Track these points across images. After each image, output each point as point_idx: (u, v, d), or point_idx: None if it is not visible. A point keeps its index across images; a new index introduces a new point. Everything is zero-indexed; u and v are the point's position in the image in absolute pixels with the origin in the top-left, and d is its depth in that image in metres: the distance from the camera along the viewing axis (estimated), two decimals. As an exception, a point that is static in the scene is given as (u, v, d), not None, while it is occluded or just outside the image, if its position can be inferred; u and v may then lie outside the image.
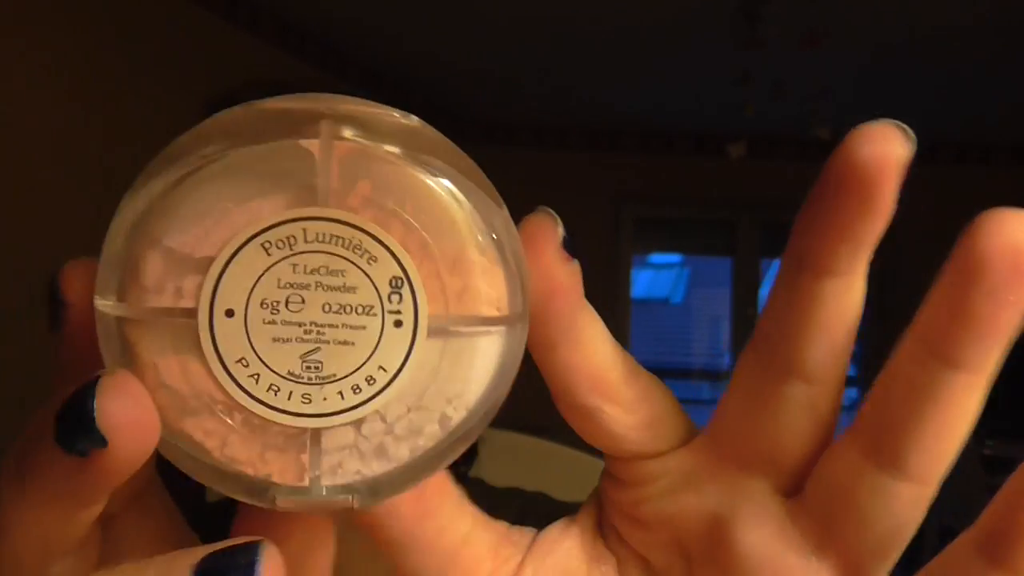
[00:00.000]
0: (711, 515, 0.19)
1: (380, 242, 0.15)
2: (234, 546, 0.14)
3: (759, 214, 3.55)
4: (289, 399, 0.15)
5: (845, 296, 0.17)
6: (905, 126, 0.16)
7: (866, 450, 0.17)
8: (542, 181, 3.36)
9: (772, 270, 4.37)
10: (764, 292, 3.78)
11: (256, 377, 0.15)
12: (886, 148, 0.16)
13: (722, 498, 0.19)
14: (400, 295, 0.16)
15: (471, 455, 0.61)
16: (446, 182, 0.16)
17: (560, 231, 0.18)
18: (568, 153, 3.45)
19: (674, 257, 4.61)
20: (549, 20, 2.38)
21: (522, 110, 3.27)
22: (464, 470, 0.65)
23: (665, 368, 3.94)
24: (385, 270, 0.15)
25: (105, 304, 0.16)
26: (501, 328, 0.17)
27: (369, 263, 0.15)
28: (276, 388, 0.15)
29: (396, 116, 0.16)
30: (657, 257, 4.41)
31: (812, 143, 2.78)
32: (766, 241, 3.60)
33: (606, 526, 0.22)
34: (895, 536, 0.18)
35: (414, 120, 0.17)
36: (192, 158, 0.16)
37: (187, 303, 0.15)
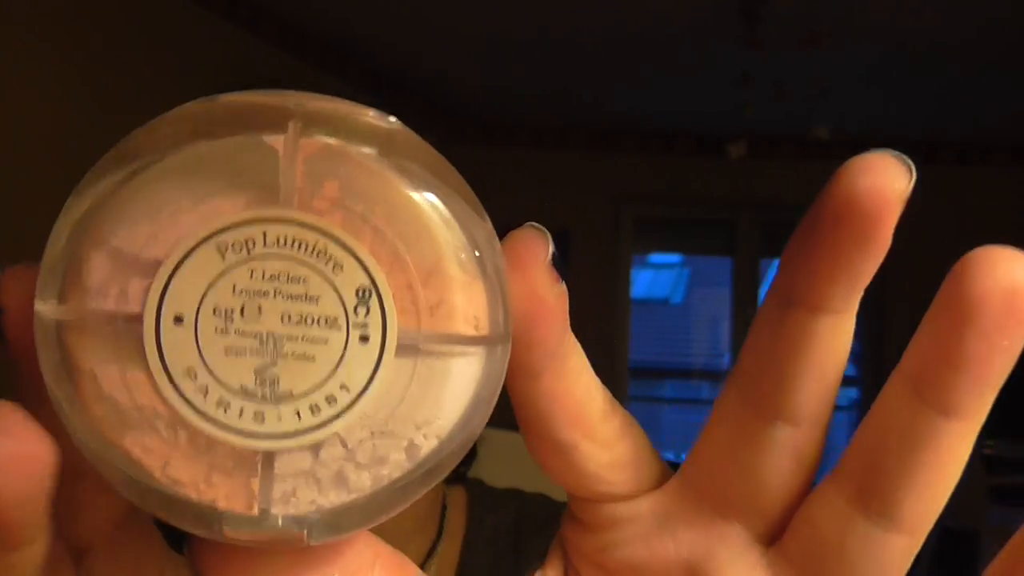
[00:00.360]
0: (685, 563, 0.18)
1: (347, 248, 0.14)
2: None
3: (759, 214, 3.55)
4: (240, 417, 0.14)
5: (838, 334, 0.16)
6: (905, 157, 0.15)
7: (854, 498, 0.17)
8: (542, 181, 3.36)
9: (772, 270, 4.36)
10: (764, 292, 3.76)
11: (204, 391, 0.14)
12: (885, 181, 0.14)
13: (698, 545, 0.18)
14: (367, 307, 0.14)
15: (470, 455, 0.61)
16: (423, 188, 0.15)
17: (550, 248, 0.16)
18: (568, 153, 3.45)
19: (674, 257, 4.61)
20: (549, 20, 2.38)
21: (522, 110, 3.27)
22: (463, 470, 0.65)
23: (665, 368, 3.94)
24: (351, 279, 0.14)
25: (44, 307, 0.14)
26: (479, 349, 0.15)
27: (334, 271, 0.14)
28: (226, 404, 0.14)
29: (371, 116, 0.15)
30: (657, 257, 4.41)
31: (812, 143, 2.78)
32: (766, 241, 3.60)
33: (570, 571, 0.20)
34: None
35: (391, 121, 0.15)
36: (144, 153, 0.15)
37: (132, 307, 0.14)
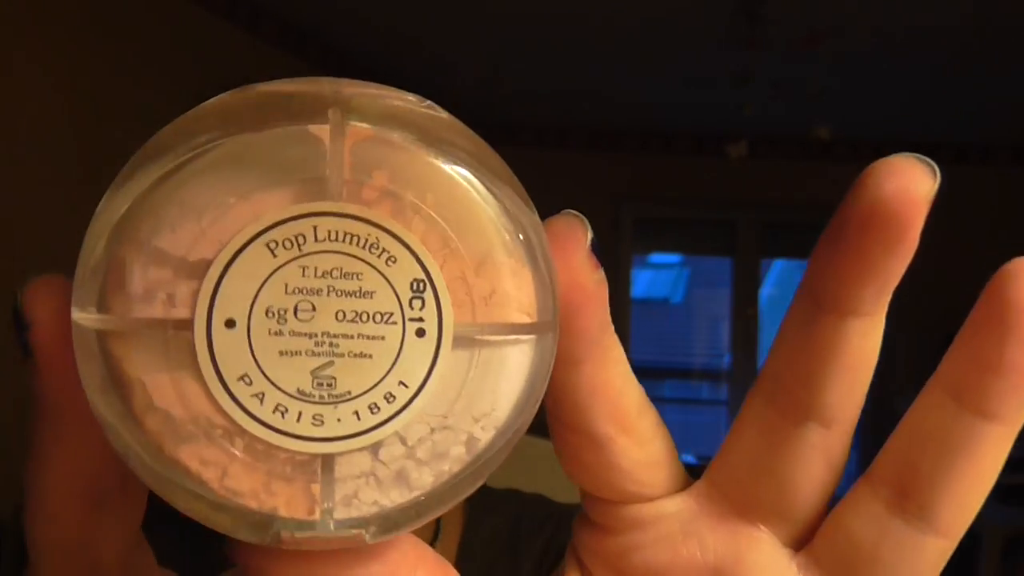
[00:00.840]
0: (712, 568, 0.18)
1: (400, 240, 0.14)
2: None
3: (759, 214, 3.55)
4: (298, 421, 0.13)
5: (868, 337, 0.16)
6: (929, 160, 0.15)
7: (891, 502, 0.17)
8: (542, 181, 3.35)
9: (772, 270, 4.37)
10: (764, 292, 3.79)
11: (260, 397, 0.13)
12: (912, 183, 0.14)
13: (725, 550, 0.18)
14: (422, 300, 0.14)
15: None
16: (470, 174, 0.14)
17: (589, 235, 0.16)
18: (568, 153, 3.45)
19: (674, 257, 4.61)
20: (549, 20, 2.38)
21: (522, 110, 3.27)
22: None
23: (665, 368, 3.94)
24: (406, 272, 0.14)
25: (84, 317, 0.14)
26: (532, 337, 0.15)
27: (388, 264, 0.14)
28: (284, 409, 0.13)
29: (412, 101, 0.15)
30: (657, 257, 4.41)
31: (812, 143, 2.78)
32: (766, 241, 3.60)
33: None
34: None
35: (432, 106, 0.15)
36: (182, 149, 0.14)
37: (181, 313, 0.13)
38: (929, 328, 3.95)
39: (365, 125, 0.14)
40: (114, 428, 0.14)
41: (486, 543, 0.58)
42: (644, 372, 3.78)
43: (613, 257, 3.45)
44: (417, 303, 0.14)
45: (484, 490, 0.63)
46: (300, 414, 0.14)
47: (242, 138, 0.14)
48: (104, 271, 0.14)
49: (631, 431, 0.18)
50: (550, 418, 0.18)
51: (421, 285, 0.14)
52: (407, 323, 0.14)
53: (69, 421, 0.15)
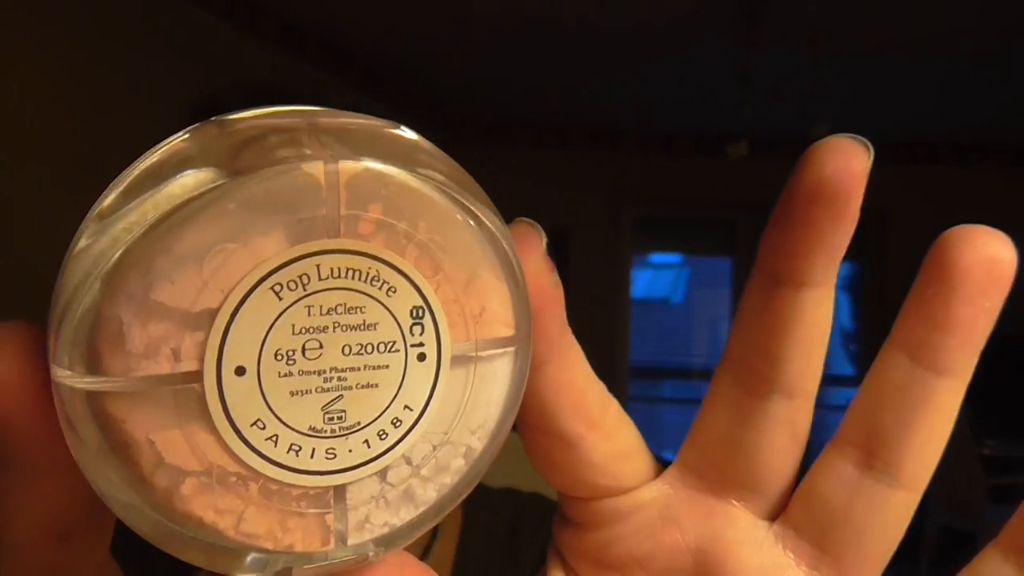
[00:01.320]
0: (693, 549, 0.19)
1: (398, 270, 0.14)
2: None
3: (759, 214, 3.53)
4: (312, 457, 0.14)
5: (822, 306, 0.17)
6: (863, 139, 0.16)
7: (859, 462, 0.18)
8: (542, 181, 3.36)
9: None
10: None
11: (275, 439, 0.13)
12: (850, 161, 0.16)
13: (704, 530, 0.19)
14: (422, 326, 0.14)
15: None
16: (454, 199, 0.15)
17: (543, 240, 0.17)
18: (568, 153, 3.45)
19: (674, 257, 4.61)
20: (549, 20, 2.38)
21: (522, 110, 3.27)
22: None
23: (665, 368, 3.94)
24: (405, 300, 0.14)
25: (72, 378, 0.13)
26: (513, 349, 0.15)
27: (388, 295, 0.14)
28: (298, 448, 0.13)
29: (392, 130, 0.15)
30: (657, 257, 4.41)
31: (812, 143, 2.77)
32: (766, 241, 3.59)
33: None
34: (889, 544, 0.18)
35: (408, 132, 0.15)
36: (160, 190, 0.13)
37: (188, 365, 0.13)
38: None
39: (354, 159, 0.14)
40: (113, 490, 0.13)
41: (484, 541, 0.58)
42: (644, 372, 3.80)
43: (613, 257, 3.45)
44: (417, 329, 0.14)
45: (481, 489, 0.63)
46: (314, 450, 0.14)
47: (232, 182, 0.13)
48: (91, 328, 0.13)
49: (598, 426, 0.18)
50: (519, 422, 0.18)
51: (420, 312, 0.14)
52: (409, 349, 0.14)
53: (32, 468, 0.15)
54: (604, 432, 0.19)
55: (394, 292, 0.14)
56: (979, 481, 2.72)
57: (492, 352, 0.15)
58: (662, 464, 0.20)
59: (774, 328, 0.18)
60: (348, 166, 0.14)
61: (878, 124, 3.19)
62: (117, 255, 0.13)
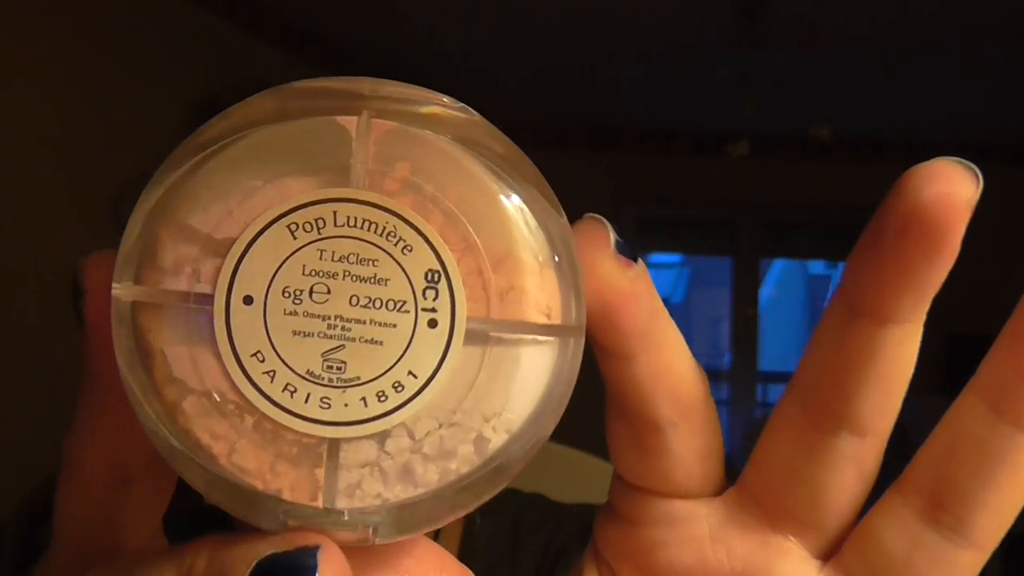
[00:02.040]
0: (739, 575, 0.18)
1: (417, 230, 0.14)
2: (297, 549, 0.14)
3: (759, 214, 3.55)
4: (306, 402, 0.14)
5: (906, 344, 0.16)
6: (971, 164, 0.14)
7: (925, 512, 0.17)
8: (542, 181, 3.35)
9: (772, 270, 4.37)
10: (764, 292, 3.79)
11: (271, 374, 0.14)
12: (953, 188, 0.14)
13: (753, 558, 0.18)
14: (436, 291, 0.14)
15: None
16: (496, 174, 0.15)
17: (612, 236, 0.16)
18: (568, 153, 3.45)
19: (674, 257, 4.61)
20: (549, 20, 2.38)
21: (523, 110, 3.27)
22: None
23: (665, 368, 3.93)
24: (421, 262, 0.14)
25: (120, 289, 0.14)
26: (551, 340, 0.15)
27: (404, 253, 0.14)
28: (293, 388, 0.14)
29: (445, 101, 0.15)
30: (657, 257, 4.41)
31: (812, 143, 2.78)
32: (766, 241, 3.60)
33: None
34: None
35: (466, 108, 0.15)
36: (218, 139, 0.15)
37: (204, 287, 0.14)
38: (929, 328, 3.93)
39: (394, 120, 0.15)
40: (138, 398, 0.14)
41: (486, 543, 0.58)
42: (644, 372, 3.81)
43: (613, 257, 3.44)
44: (431, 294, 0.14)
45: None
46: (308, 395, 0.14)
47: (274, 127, 0.14)
48: (142, 248, 0.14)
49: (692, 418, 0.18)
50: (608, 408, 0.18)
51: (436, 276, 0.14)
52: (420, 313, 0.14)
53: (106, 393, 0.16)
54: (697, 425, 0.18)
55: (410, 251, 0.14)
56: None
57: (517, 336, 0.14)
58: (730, 483, 0.19)
59: (850, 362, 0.16)
60: (381, 123, 0.14)
61: (878, 124, 3.19)
62: (168, 185, 0.14)
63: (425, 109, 0.15)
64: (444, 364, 0.14)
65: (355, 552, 0.15)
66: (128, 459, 0.17)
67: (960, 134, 3.31)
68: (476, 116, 0.15)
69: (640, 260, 0.17)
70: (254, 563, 0.14)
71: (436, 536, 0.57)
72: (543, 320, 0.15)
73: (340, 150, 0.14)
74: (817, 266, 5.18)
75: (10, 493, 1.55)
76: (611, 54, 2.61)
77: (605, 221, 0.16)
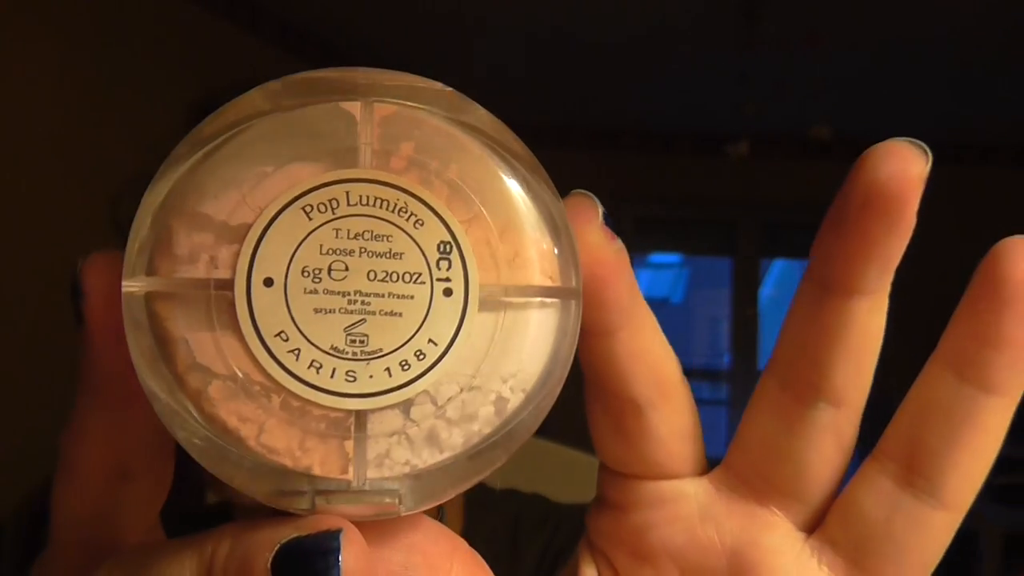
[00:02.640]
0: (729, 551, 0.19)
1: (427, 204, 0.14)
2: (319, 532, 0.14)
3: (759, 214, 3.55)
4: (332, 377, 0.14)
5: (873, 315, 0.17)
6: (921, 143, 0.16)
7: (900, 478, 0.17)
8: (542, 181, 3.35)
9: (772, 270, 4.37)
10: (764, 292, 3.79)
11: (296, 353, 0.14)
12: (907, 165, 0.15)
13: (741, 533, 0.18)
14: (449, 261, 0.15)
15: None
16: (492, 148, 0.16)
17: (600, 210, 0.17)
18: (568, 153, 3.45)
19: (674, 257, 4.61)
20: (549, 21, 2.38)
21: (523, 110, 3.27)
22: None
23: (665, 368, 3.93)
24: (432, 234, 0.14)
25: (132, 284, 0.14)
26: (556, 301, 0.15)
27: (415, 227, 0.14)
28: (318, 365, 0.14)
29: (440, 86, 0.16)
30: (657, 257, 4.41)
31: (812, 143, 2.78)
32: (766, 241, 3.60)
33: (603, 567, 0.20)
34: (927, 565, 0.18)
35: (457, 93, 0.16)
36: (221, 132, 0.15)
37: (223, 273, 0.14)
38: (929, 328, 3.94)
39: (395, 101, 0.15)
40: (158, 394, 0.14)
41: (486, 543, 0.58)
42: (644, 372, 3.80)
43: (613, 257, 3.44)
44: (444, 264, 0.15)
45: (483, 489, 0.63)
46: (334, 370, 0.14)
47: (278, 116, 0.15)
48: (152, 240, 0.14)
49: (671, 398, 0.18)
50: (588, 392, 0.19)
51: (448, 247, 0.15)
52: (435, 283, 0.14)
53: (108, 390, 0.16)
54: (675, 405, 0.18)
55: (421, 225, 0.14)
56: (979, 481, 2.71)
57: (526, 299, 0.15)
58: (711, 466, 0.20)
59: (823, 335, 0.17)
60: (383, 106, 0.15)
61: (878, 124, 3.19)
62: (176, 178, 0.15)
63: (421, 90, 0.16)
64: (461, 330, 0.14)
65: (371, 531, 0.15)
66: (126, 454, 0.17)
67: (960, 134, 3.31)
68: (469, 101, 0.16)
69: (619, 240, 0.17)
70: (277, 546, 0.14)
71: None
72: (547, 283, 0.15)
73: (346, 134, 0.15)
74: (817, 266, 5.13)
75: (10, 493, 1.55)
76: (611, 53, 2.61)
77: (592, 196, 0.17)
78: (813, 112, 2.48)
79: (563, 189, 0.17)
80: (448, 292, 0.14)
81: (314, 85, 0.15)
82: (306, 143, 0.15)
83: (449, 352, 0.14)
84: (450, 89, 0.16)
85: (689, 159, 3.48)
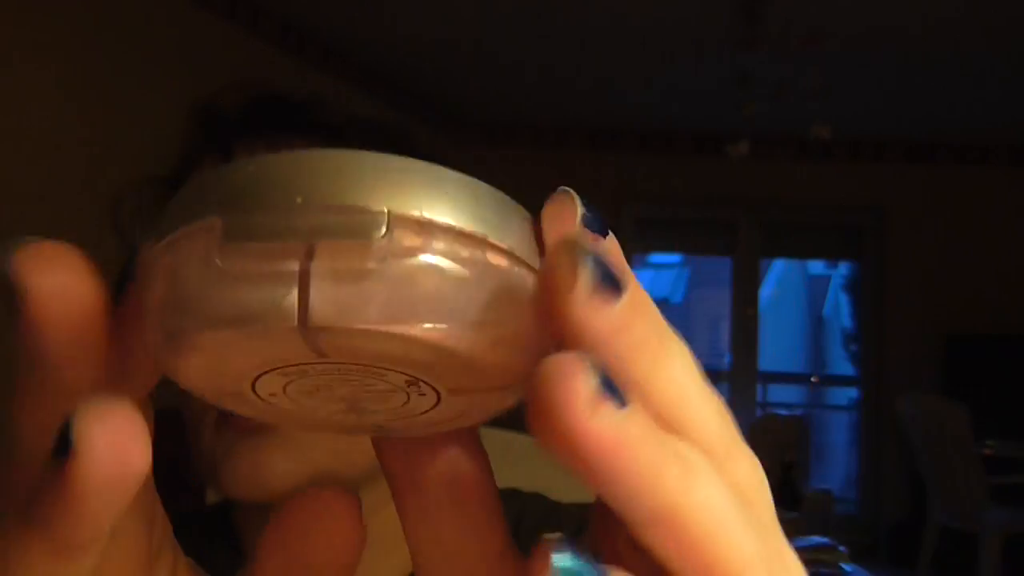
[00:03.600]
0: None
1: (383, 369, 0.15)
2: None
3: (759, 214, 3.55)
4: None
5: None
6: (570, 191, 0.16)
7: None
8: (542, 181, 3.35)
9: (772, 270, 4.37)
10: (764, 292, 3.79)
11: None
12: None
13: None
14: (419, 386, 0.15)
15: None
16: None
17: (579, 210, 0.16)
18: (568, 153, 3.45)
19: (674, 257, 4.61)
20: (550, 21, 2.38)
21: (522, 110, 3.27)
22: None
23: (665, 368, 3.93)
24: (398, 377, 0.15)
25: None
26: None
27: (382, 374, 0.15)
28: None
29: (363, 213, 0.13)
30: (657, 257, 4.41)
31: (812, 143, 2.78)
32: (766, 241, 3.60)
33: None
34: None
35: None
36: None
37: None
38: (929, 328, 3.94)
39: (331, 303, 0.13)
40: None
41: (486, 543, 0.58)
42: (644, 372, 3.80)
43: (613, 257, 3.44)
44: (415, 388, 0.15)
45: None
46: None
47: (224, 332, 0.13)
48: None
49: None
50: None
51: (415, 379, 0.15)
52: (411, 391, 0.15)
53: (54, 378, 0.15)
54: None
55: (384, 374, 0.15)
56: (979, 481, 2.72)
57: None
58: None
59: None
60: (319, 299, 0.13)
61: (878, 124, 3.19)
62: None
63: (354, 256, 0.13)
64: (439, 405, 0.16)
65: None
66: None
67: (960, 134, 3.31)
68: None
69: (606, 236, 0.16)
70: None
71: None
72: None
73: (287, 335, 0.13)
74: (817, 266, 5.16)
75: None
76: (611, 54, 2.61)
77: (572, 193, 0.16)
78: (813, 112, 2.48)
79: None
80: (422, 394, 0.15)
81: (251, 281, 0.13)
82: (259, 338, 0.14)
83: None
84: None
85: (689, 159, 3.48)
